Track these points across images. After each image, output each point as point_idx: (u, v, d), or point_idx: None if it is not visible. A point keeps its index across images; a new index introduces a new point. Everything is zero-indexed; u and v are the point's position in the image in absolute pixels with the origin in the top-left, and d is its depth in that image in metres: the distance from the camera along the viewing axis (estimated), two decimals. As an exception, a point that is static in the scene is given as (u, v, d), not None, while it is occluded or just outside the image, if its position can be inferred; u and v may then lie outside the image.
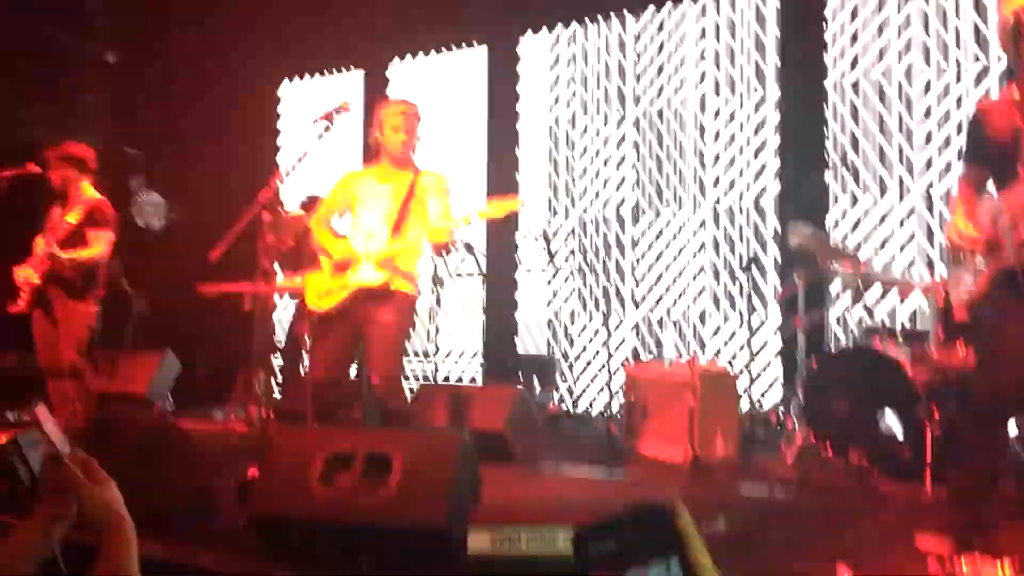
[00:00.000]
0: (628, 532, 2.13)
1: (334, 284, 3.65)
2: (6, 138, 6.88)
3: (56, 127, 7.43)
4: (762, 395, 5.75)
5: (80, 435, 4.32)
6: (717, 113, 6.18)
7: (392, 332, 3.62)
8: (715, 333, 6.09)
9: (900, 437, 3.82)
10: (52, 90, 7.50)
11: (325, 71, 8.13)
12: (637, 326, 6.42)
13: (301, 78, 8.29)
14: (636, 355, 6.21)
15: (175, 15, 7.73)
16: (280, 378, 6.05)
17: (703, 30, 6.25)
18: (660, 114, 6.41)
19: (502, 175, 7.04)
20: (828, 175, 5.62)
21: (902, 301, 5.21)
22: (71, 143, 4.94)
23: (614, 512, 2.22)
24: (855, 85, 5.66)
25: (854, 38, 5.68)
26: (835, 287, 4.91)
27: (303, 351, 6.01)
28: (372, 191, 3.76)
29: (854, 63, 5.67)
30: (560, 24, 6.88)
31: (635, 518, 2.14)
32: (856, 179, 5.64)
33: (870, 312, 4.91)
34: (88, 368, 5.13)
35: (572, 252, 6.73)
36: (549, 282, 6.78)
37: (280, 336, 7.14)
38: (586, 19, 6.76)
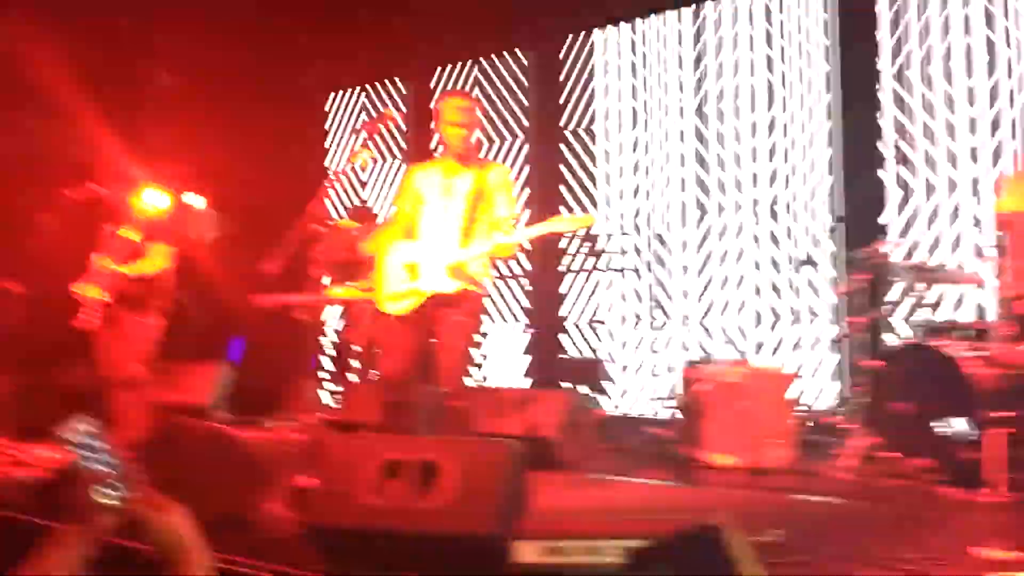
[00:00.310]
0: (681, 555, 2.10)
1: (406, 288, 3.67)
2: (65, 157, 7.12)
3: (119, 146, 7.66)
4: (817, 397, 5.61)
5: (144, 447, 4.44)
6: (770, 106, 6.05)
7: (462, 334, 3.67)
8: (771, 331, 5.95)
9: (967, 440, 3.67)
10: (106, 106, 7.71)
11: (372, 83, 8.22)
12: (690, 327, 6.32)
13: (348, 90, 8.39)
14: (689, 357, 6.11)
15: (219, 28, 7.89)
16: (331, 387, 6.11)
17: (751, 21, 6.12)
18: (711, 110, 6.32)
19: (545, 178, 7.03)
20: (882, 171, 5.45)
21: (960, 297, 5.05)
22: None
23: (667, 534, 2.19)
24: (904, 77, 5.49)
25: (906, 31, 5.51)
26: (894, 284, 4.75)
27: (350, 360, 6.08)
28: (438, 188, 3.75)
29: (905, 57, 5.50)
30: (606, 24, 6.82)
31: (688, 540, 2.10)
32: (911, 173, 5.47)
33: (931, 309, 4.75)
34: (150, 380, 5.26)
35: (622, 252, 6.65)
36: (598, 282, 6.73)
37: (329, 346, 7.23)
38: (632, 16, 6.68)
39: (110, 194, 4.92)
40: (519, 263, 5.88)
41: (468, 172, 3.72)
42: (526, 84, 7.24)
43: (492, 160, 3.92)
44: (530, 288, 7.02)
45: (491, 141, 7.33)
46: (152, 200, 5.14)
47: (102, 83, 7.60)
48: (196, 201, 7.30)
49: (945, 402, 3.80)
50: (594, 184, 6.86)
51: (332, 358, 6.45)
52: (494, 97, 7.38)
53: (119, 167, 4.97)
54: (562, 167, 6.98)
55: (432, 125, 3.87)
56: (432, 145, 3.90)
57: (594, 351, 6.70)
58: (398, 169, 7.99)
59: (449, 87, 7.65)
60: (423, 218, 3.79)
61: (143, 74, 8.14)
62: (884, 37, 5.58)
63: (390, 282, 3.76)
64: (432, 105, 3.88)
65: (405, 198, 3.89)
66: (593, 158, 6.87)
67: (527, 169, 7.15)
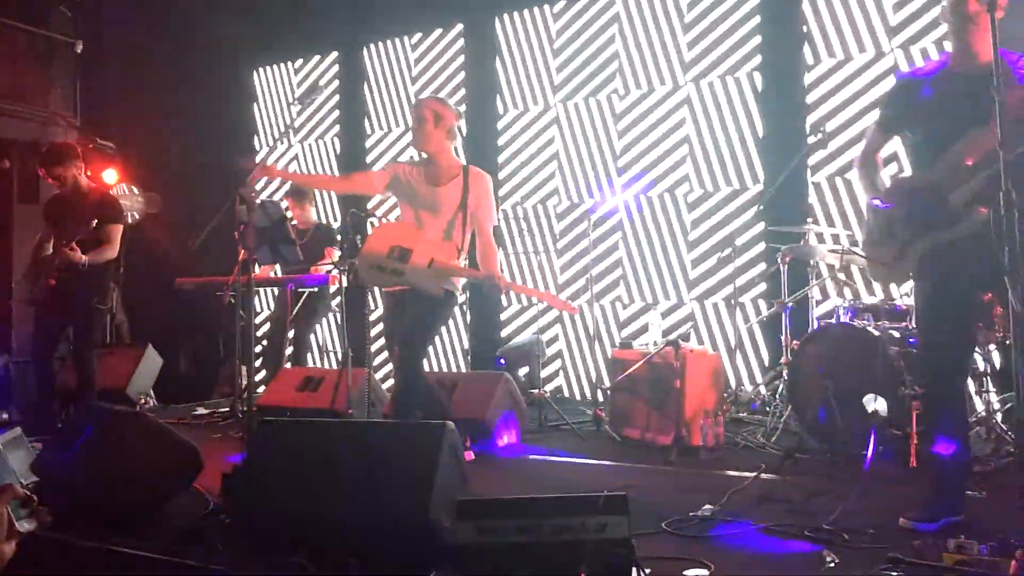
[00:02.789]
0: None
1: (392, 267, 3.79)
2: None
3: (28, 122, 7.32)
4: (746, 376, 5.76)
5: (57, 431, 4.30)
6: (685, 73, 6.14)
7: (428, 320, 3.82)
8: (700, 312, 6.09)
9: (884, 415, 3.83)
10: (21, 83, 7.38)
11: (301, 57, 8.03)
12: (623, 309, 6.41)
13: (277, 63, 8.18)
14: (622, 339, 6.20)
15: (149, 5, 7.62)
16: (263, 371, 5.99)
17: None
18: (709, 87, 6.37)
19: (483, 158, 6.99)
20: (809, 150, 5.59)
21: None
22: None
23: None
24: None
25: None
26: (817, 265, 4.91)
27: (285, 343, 5.97)
28: (423, 191, 3.90)
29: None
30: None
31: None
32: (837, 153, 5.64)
33: (853, 290, 4.93)
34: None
35: (550, 234, 6.69)
36: (530, 264, 6.75)
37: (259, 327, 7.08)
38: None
39: (20, 170, 4.77)
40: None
41: (451, 171, 3.89)
42: (461, 60, 7.17)
43: (474, 168, 3.97)
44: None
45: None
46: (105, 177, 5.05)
47: (14, 54, 7.25)
48: (113, 178, 7.05)
49: (863, 378, 3.94)
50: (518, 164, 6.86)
51: (261, 339, 6.32)
52: (425, 72, 7.31)
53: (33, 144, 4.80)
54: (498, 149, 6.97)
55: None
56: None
57: (532, 333, 6.72)
58: (329, 146, 7.85)
59: (379, 62, 7.54)
60: (408, 213, 3.95)
61: (51, 41, 7.79)
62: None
63: (376, 254, 3.85)
64: None
65: (389, 172, 4.01)
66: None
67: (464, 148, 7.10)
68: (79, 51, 7.85)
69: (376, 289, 5.93)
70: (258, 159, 8.09)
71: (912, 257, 2.90)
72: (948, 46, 3.00)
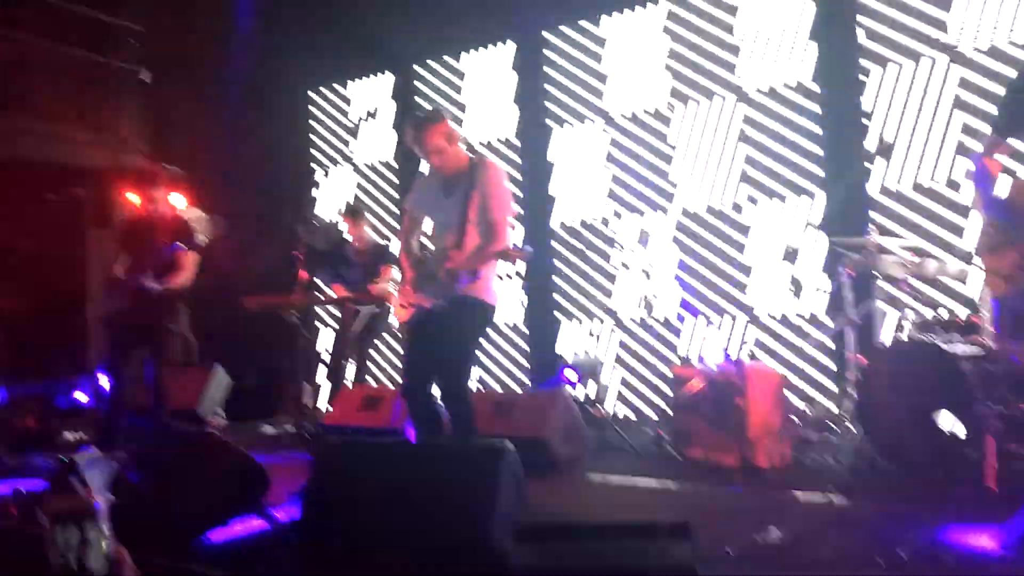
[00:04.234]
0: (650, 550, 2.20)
1: (410, 298, 3.71)
2: (51, 161, 7.06)
3: (99, 149, 7.62)
4: (813, 395, 5.61)
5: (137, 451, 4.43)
6: (757, 102, 6.05)
7: (457, 340, 3.62)
8: (764, 329, 5.97)
9: (959, 436, 3.68)
10: (92, 112, 7.67)
11: (357, 77, 8.18)
12: (688, 327, 6.33)
13: (331, 85, 8.35)
14: (684, 357, 6.11)
15: (203, 27, 7.85)
16: (327, 390, 6.09)
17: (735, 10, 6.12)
18: (696, 105, 6.31)
19: (535, 172, 7.02)
20: (870, 163, 5.45)
21: (958, 291, 5.06)
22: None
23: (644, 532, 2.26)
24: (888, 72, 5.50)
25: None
26: (885, 278, 4.76)
27: (346, 362, 6.06)
28: (435, 195, 3.80)
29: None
30: (597, 14, 6.77)
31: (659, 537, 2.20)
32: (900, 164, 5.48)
33: (924, 304, 4.76)
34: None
35: (617, 249, 6.65)
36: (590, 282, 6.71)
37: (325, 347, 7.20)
38: (623, 7, 6.65)
39: (93, 196, 4.99)
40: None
41: (461, 176, 3.73)
42: (514, 75, 7.21)
43: (484, 161, 3.86)
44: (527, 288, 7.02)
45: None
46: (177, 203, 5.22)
47: (75, 79, 7.54)
48: (182, 203, 7.27)
49: (938, 397, 3.80)
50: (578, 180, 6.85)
51: (326, 360, 6.43)
52: (479, 89, 7.37)
53: (103, 170, 4.99)
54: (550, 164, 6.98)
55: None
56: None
57: (590, 351, 6.69)
58: (387, 164, 7.97)
59: (433, 80, 7.62)
60: (428, 225, 3.89)
61: (118, 71, 8.09)
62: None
63: (401, 292, 3.82)
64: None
65: (411, 202, 3.96)
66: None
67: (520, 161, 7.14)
68: (147, 80, 8.15)
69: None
70: (317, 183, 8.28)
71: None
72: None
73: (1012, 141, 2.88)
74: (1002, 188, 2.86)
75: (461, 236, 3.61)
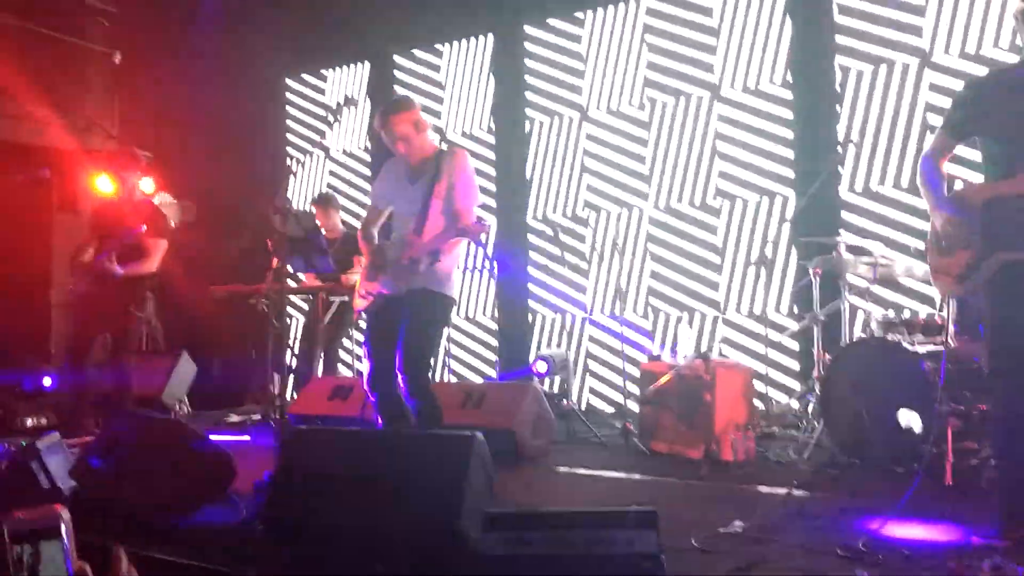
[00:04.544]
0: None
1: (370, 287, 3.69)
2: (17, 141, 6.92)
3: (68, 131, 7.48)
4: (778, 391, 5.70)
5: (97, 437, 4.37)
6: (730, 101, 6.11)
7: (420, 333, 3.59)
8: (730, 325, 6.04)
9: (918, 431, 3.77)
10: (60, 93, 7.54)
11: (333, 66, 8.12)
12: (652, 321, 6.39)
13: (308, 73, 8.28)
14: (651, 351, 6.17)
15: (178, 10, 7.75)
16: (295, 379, 6.06)
17: (711, 12, 6.18)
18: (674, 103, 6.36)
19: (509, 166, 7.03)
20: (840, 162, 5.54)
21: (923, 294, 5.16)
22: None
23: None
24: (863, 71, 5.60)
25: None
26: (850, 277, 4.84)
27: (317, 351, 6.02)
28: (401, 183, 3.77)
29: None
30: (576, 9, 6.80)
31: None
32: (867, 164, 5.58)
33: (885, 303, 4.86)
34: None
35: (587, 245, 6.69)
36: (561, 276, 6.75)
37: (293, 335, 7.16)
38: (598, 5, 6.69)
39: (59, 178, 4.90)
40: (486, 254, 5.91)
41: (427, 164, 3.70)
42: (487, 69, 7.21)
43: (450, 149, 3.85)
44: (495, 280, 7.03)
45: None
46: (101, 186, 5.11)
47: (43, 58, 7.40)
48: (150, 187, 7.17)
49: (898, 395, 3.89)
50: (553, 174, 6.88)
51: (295, 351, 6.39)
52: (458, 84, 7.36)
53: (71, 152, 4.91)
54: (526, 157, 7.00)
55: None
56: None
57: (560, 343, 6.73)
58: (360, 153, 7.93)
59: (409, 70, 7.60)
60: (392, 213, 3.83)
61: (90, 52, 7.96)
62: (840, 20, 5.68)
63: (361, 280, 3.78)
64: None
65: (375, 193, 3.94)
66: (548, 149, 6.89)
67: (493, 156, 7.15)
68: (117, 61, 8.02)
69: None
70: (289, 173, 8.22)
71: (984, 271, 2.73)
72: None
73: (954, 146, 2.90)
74: (953, 188, 2.88)
75: (422, 223, 3.60)
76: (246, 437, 5.28)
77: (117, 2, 7.98)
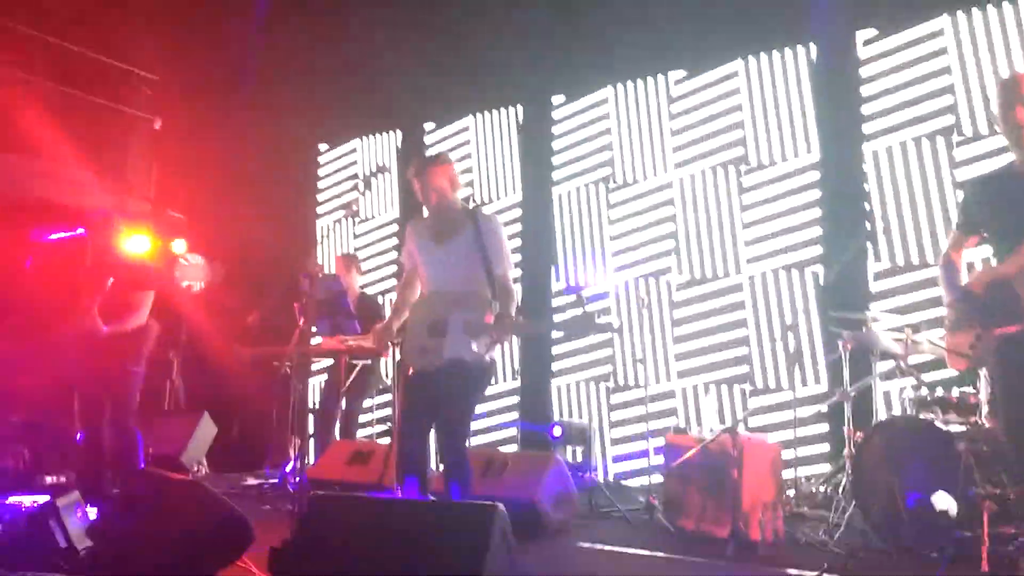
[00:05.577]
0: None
1: (420, 349, 3.56)
2: (56, 201, 7.11)
3: (106, 193, 7.68)
4: (807, 468, 5.55)
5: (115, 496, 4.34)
6: (758, 175, 6.15)
7: (470, 394, 3.56)
8: (759, 400, 5.94)
9: (953, 515, 3.63)
10: (101, 156, 7.76)
11: (365, 134, 8.31)
12: (679, 395, 6.30)
13: (340, 140, 8.47)
14: (677, 425, 6.07)
15: (217, 79, 8.01)
16: (314, 443, 6.01)
17: (738, 90, 6.27)
18: (701, 176, 6.41)
19: (537, 235, 7.08)
20: (870, 238, 5.53)
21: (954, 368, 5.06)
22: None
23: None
24: (892, 147, 5.62)
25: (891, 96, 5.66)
26: (883, 354, 4.76)
27: (337, 415, 6.00)
28: (429, 248, 3.68)
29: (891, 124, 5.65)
30: (604, 83, 6.94)
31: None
32: (897, 242, 5.55)
33: (920, 381, 4.75)
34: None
35: (611, 318, 6.66)
36: (585, 347, 6.71)
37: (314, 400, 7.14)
38: (627, 80, 6.82)
39: (91, 236, 4.90)
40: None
41: (456, 224, 3.65)
42: (515, 138, 7.33)
43: (483, 211, 3.85)
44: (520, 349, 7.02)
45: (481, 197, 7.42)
46: (135, 245, 5.11)
47: (86, 123, 7.65)
48: (182, 248, 7.31)
49: (932, 476, 3.77)
50: (584, 245, 6.91)
51: (314, 413, 6.36)
52: (485, 152, 7.49)
53: (100, 210, 4.97)
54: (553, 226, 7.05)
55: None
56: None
57: (582, 415, 6.65)
58: (390, 222, 8.03)
59: (442, 139, 7.74)
60: (422, 275, 3.74)
61: (131, 117, 8.21)
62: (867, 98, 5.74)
63: (408, 342, 3.68)
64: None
65: (404, 253, 3.86)
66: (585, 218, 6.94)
67: (519, 225, 7.21)
68: (157, 127, 8.28)
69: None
70: (319, 238, 8.34)
71: (989, 345, 2.96)
72: None
73: (971, 240, 3.26)
74: (963, 276, 3.25)
75: (469, 286, 3.53)
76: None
77: (159, 70, 8.28)
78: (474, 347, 3.43)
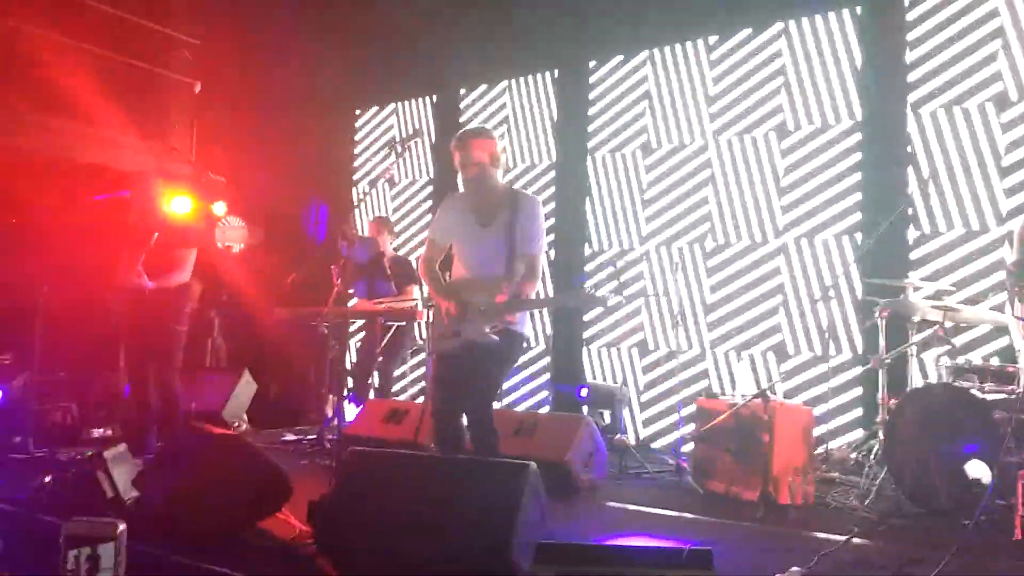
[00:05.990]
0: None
1: (450, 331, 3.58)
2: (100, 163, 7.25)
3: (150, 155, 7.81)
4: (839, 434, 5.55)
5: (158, 451, 4.50)
6: (796, 140, 6.06)
7: (493, 371, 3.57)
8: (794, 365, 5.93)
9: (987, 483, 3.62)
10: (143, 119, 7.88)
11: (400, 100, 8.32)
12: (712, 359, 6.31)
13: (376, 105, 8.50)
14: (710, 389, 6.08)
15: (256, 44, 8.06)
16: (350, 401, 6.14)
17: (780, 53, 6.15)
18: (739, 141, 6.33)
19: (569, 203, 7.07)
20: (911, 203, 5.44)
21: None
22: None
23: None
24: (937, 112, 5.49)
25: (937, 61, 5.52)
26: (918, 321, 4.70)
27: (373, 373, 6.11)
28: (468, 227, 3.65)
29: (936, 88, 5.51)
30: (629, 50, 6.88)
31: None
32: (939, 208, 5.45)
33: (955, 349, 4.70)
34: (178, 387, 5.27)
35: (643, 282, 6.66)
36: (619, 311, 6.72)
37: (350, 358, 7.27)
38: (665, 45, 6.74)
39: (134, 196, 5.03)
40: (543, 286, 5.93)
41: (497, 205, 3.62)
42: (553, 105, 7.30)
43: (521, 189, 3.82)
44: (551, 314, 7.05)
45: (514, 164, 7.41)
46: (178, 206, 5.23)
47: (129, 88, 7.76)
48: (223, 210, 7.42)
49: (967, 443, 3.75)
50: (616, 211, 6.89)
51: (351, 371, 6.49)
52: (521, 118, 7.46)
53: (143, 172, 5.08)
54: (589, 192, 7.03)
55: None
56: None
57: (614, 377, 6.69)
58: (424, 185, 8.07)
59: (477, 104, 7.73)
60: (458, 256, 3.72)
61: (173, 81, 8.30)
62: (913, 63, 5.60)
63: (438, 322, 3.69)
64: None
65: (437, 228, 3.79)
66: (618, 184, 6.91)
67: (553, 189, 7.20)
68: (197, 91, 8.37)
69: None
70: (355, 202, 8.41)
71: None
72: None
73: None
74: None
75: (509, 268, 3.51)
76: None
77: (200, 35, 8.34)
78: (487, 329, 3.44)
